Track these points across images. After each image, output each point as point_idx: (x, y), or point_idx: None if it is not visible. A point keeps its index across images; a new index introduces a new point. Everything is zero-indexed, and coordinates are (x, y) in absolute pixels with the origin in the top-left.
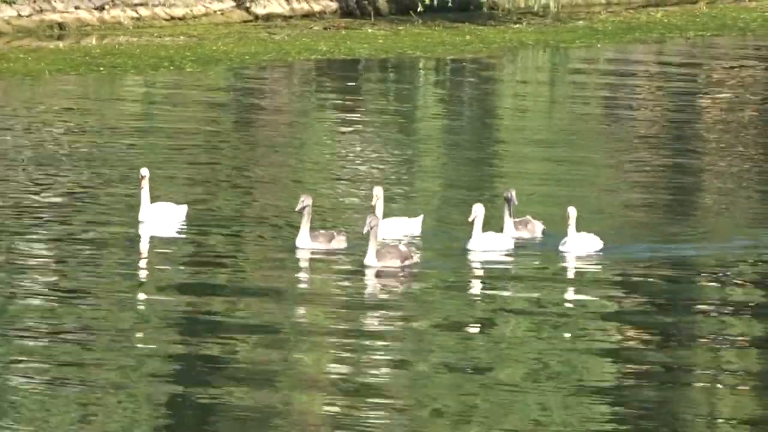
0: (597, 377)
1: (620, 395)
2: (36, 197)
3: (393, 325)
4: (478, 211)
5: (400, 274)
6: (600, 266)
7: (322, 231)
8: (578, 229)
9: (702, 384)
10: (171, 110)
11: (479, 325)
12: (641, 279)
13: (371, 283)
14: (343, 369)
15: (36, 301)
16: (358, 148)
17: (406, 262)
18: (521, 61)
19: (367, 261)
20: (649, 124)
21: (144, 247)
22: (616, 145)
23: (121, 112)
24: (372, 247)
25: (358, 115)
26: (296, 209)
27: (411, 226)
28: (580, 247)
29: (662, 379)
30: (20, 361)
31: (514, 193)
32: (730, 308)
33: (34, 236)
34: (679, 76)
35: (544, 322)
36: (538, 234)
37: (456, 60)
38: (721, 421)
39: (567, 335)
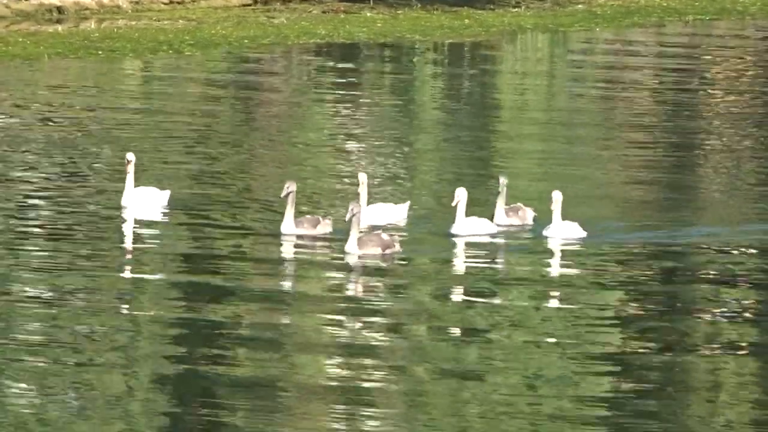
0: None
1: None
2: (29, 179)
3: (375, 305)
4: (460, 196)
5: (381, 262)
6: (583, 252)
7: (308, 216)
8: (574, 213)
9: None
10: (169, 94)
11: (457, 311)
12: (626, 265)
13: (353, 272)
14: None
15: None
16: (356, 132)
17: (388, 251)
18: (520, 45)
19: (347, 248)
20: (648, 108)
21: (127, 231)
22: (614, 128)
23: (120, 95)
24: (353, 235)
25: (356, 99)
26: (281, 195)
27: (396, 213)
28: (564, 233)
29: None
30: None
31: (503, 181)
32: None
33: (22, 218)
34: (679, 59)
35: (527, 311)
36: (529, 221)
37: (455, 44)
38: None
39: (551, 340)
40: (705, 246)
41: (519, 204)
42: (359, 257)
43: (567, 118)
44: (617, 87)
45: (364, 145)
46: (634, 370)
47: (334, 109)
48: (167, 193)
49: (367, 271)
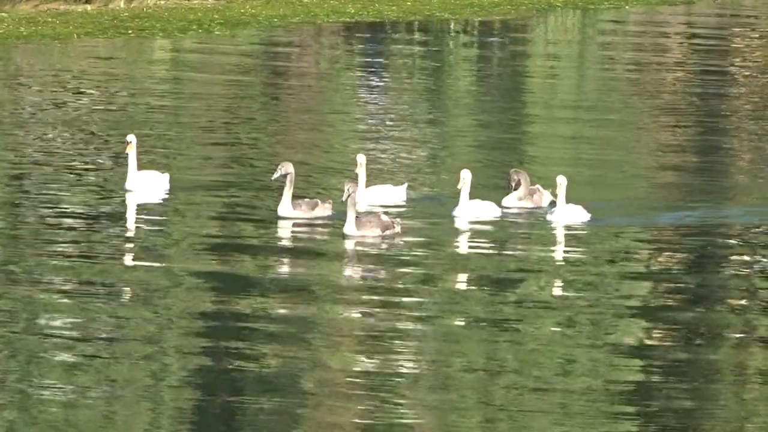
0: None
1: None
2: (55, 162)
3: (372, 290)
4: (465, 177)
5: (381, 243)
6: (585, 235)
7: (306, 199)
8: (601, 195)
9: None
10: (197, 74)
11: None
12: (628, 248)
13: (349, 253)
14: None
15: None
16: (383, 113)
17: (387, 232)
18: (551, 23)
19: (345, 230)
20: (678, 86)
21: (130, 216)
22: (644, 110)
23: (149, 75)
24: (351, 216)
25: (385, 79)
26: (272, 178)
27: (395, 195)
28: (568, 217)
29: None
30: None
31: (521, 178)
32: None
33: (34, 200)
34: (708, 39)
35: (526, 295)
36: (544, 204)
37: (484, 22)
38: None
39: (554, 325)
40: (735, 228)
41: (537, 186)
42: (358, 239)
43: (596, 99)
44: (647, 67)
45: (390, 126)
46: (661, 353)
47: (362, 90)
48: (167, 176)
49: (364, 256)
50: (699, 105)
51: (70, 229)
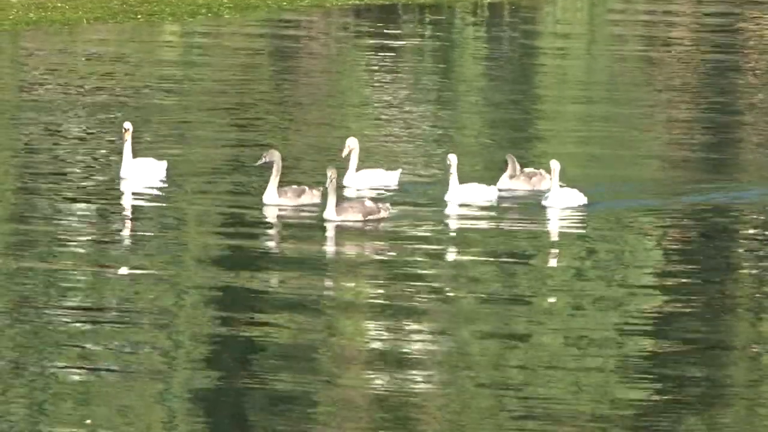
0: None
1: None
2: (67, 146)
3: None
4: (452, 162)
5: (364, 228)
6: (577, 220)
7: (294, 186)
8: (614, 175)
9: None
10: (207, 58)
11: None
12: (622, 233)
13: (329, 240)
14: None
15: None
16: (393, 96)
17: (370, 217)
18: (560, 4)
19: (326, 215)
20: (688, 68)
21: (126, 203)
22: (654, 90)
23: (158, 60)
24: (332, 201)
25: (394, 61)
26: (256, 164)
27: (386, 179)
28: (562, 202)
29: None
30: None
31: (510, 160)
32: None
33: (35, 185)
34: (718, 17)
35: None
36: (543, 187)
37: (494, 4)
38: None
39: (551, 299)
40: (747, 207)
41: (539, 170)
42: (338, 224)
43: (608, 79)
44: (657, 48)
45: (399, 109)
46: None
47: (371, 73)
48: (164, 164)
49: (348, 234)
50: (710, 83)
51: (63, 213)
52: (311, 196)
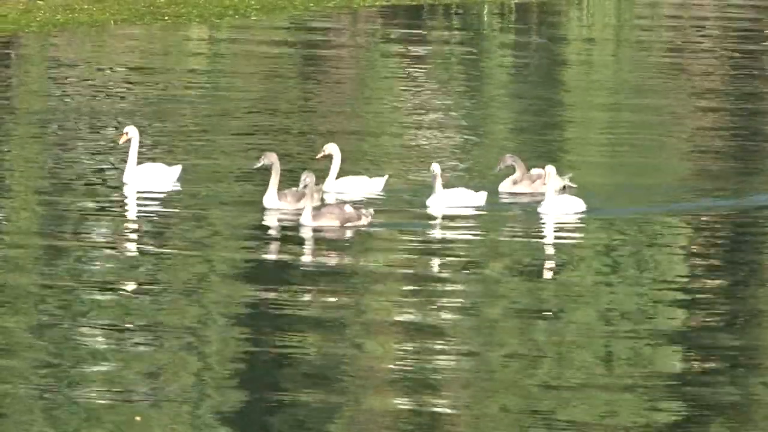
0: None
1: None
2: (94, 149)
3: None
4: (435, 170)
5: (340, 235)
6: (570, 229)
7: (295, 189)
8: (640, 182)
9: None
10: (234, 60)
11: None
12: (611, 240)
13: (307, 246)
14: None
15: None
16: (419, 100)
17: (348, 224)
18: (588, 4)
19: (302, 220)
20: (715, 70)
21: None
22: (681, 95)
23: (185, 62)
24: (308, 206)
25: (421, 65)
26: (254, 167)
27: (370, 186)
28: (558, 208)
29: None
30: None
31: (509, 159)
32: None
33: (52, 187)
34: (744, 21)
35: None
36: (542, 190)
37: (521, 3)
38: None
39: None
40: None
41: (542, 172)
42: (314, 229)
43: (634, 84)
44: (684, 51)
45: (424, 112)
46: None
47: (397, 76)
48: (177, 169)
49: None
50: (737, 88)
51: (66, 216)
52: (311, 201)
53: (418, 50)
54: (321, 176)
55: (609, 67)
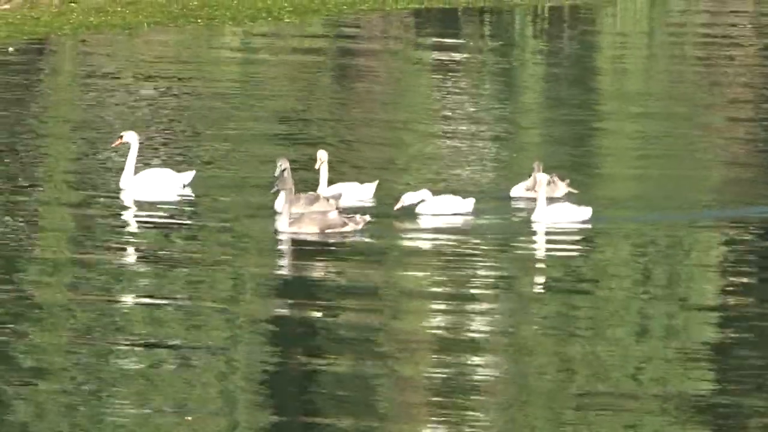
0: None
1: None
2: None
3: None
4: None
5: (322, 240)
6: (557, 240)
7: (311, 193)
8: (665, 192)
9: None
10: (268, 62)
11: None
12: (606, 248)
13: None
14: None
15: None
16: (453, 100)
17: (329, 230)
18: (620, 9)
19: (277, 225)
20: (747, 78)
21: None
22: (712, 107)
23: (219, 64)
24: (285, 211)
25: (454, 69)
26: (275, 174)
27: (360, 193)
28: (551, 217)
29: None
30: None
31: (538, 168)
32: None
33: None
34: None
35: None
36: (558, 195)
37: (554, 8)
38: None
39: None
40: None
41: (553, 178)
42: (292, 236)
43: (666, 93)
44: (716, 56)
45: (456, 121)
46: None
47: (430, 80)
48: (187, 176)
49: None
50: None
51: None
52: (324, 205)
53: (450, 56)
54: (333, 181)
55: (640, 72)
